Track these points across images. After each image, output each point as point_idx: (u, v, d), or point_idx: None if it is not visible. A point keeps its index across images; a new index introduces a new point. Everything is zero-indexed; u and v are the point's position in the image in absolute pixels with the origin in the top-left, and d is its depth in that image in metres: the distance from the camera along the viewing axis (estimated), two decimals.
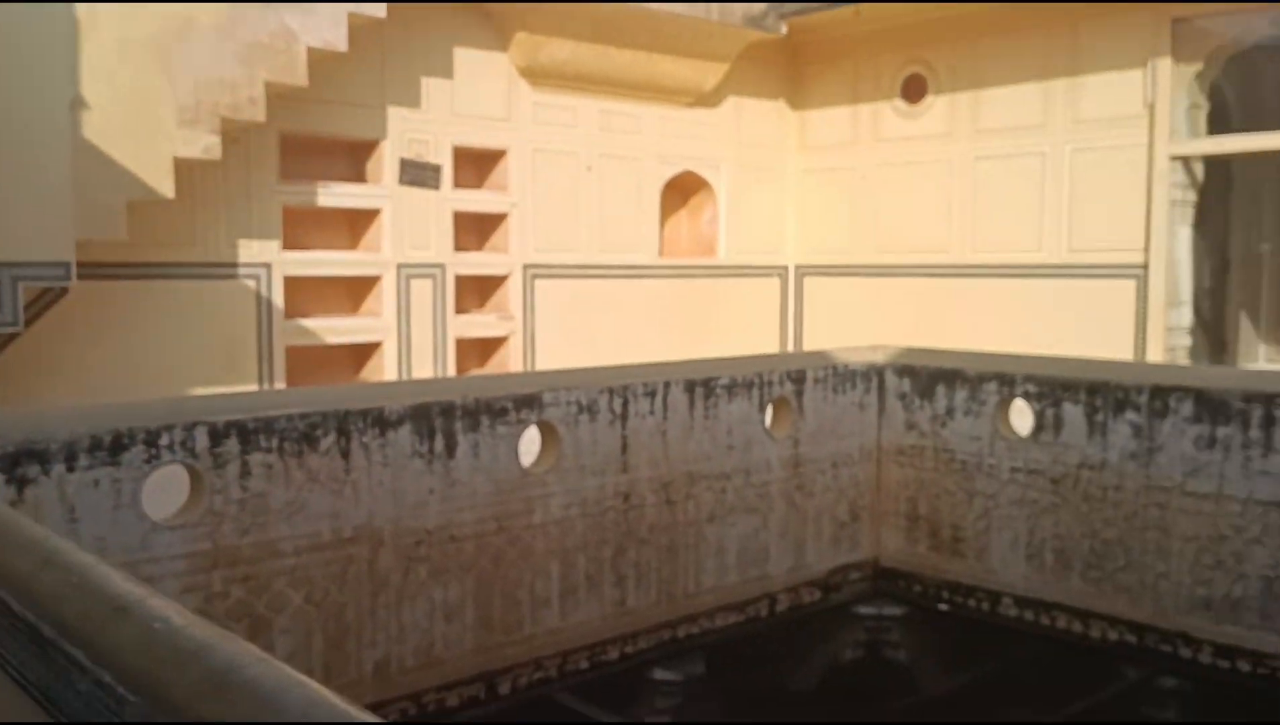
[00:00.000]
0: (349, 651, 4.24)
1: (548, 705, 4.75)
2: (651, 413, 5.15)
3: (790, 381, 5.77)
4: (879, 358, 6.24)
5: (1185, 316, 10.43)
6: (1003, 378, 5.75)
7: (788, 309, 12.89)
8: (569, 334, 10.81)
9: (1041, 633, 5.65)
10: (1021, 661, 5.59)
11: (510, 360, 10.61)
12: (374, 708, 4.22)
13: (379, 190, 9.70)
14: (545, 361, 10.57)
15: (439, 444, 4.40)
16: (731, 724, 5.38)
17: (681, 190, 12.19)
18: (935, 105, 11.55)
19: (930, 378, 6.06)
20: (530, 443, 4.73)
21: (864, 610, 6.17)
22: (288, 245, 9.16)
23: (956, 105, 11.37)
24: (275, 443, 4.01)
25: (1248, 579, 4.99)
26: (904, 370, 6.17)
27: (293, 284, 9.17)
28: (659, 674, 5.23)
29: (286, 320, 9.15)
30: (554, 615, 4.82)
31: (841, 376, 6.05)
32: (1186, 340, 10.32)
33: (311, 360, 9.35)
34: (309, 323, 9.31)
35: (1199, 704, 5.14)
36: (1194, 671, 5.14)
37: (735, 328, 12.10)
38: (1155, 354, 10.12)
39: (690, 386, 5.28)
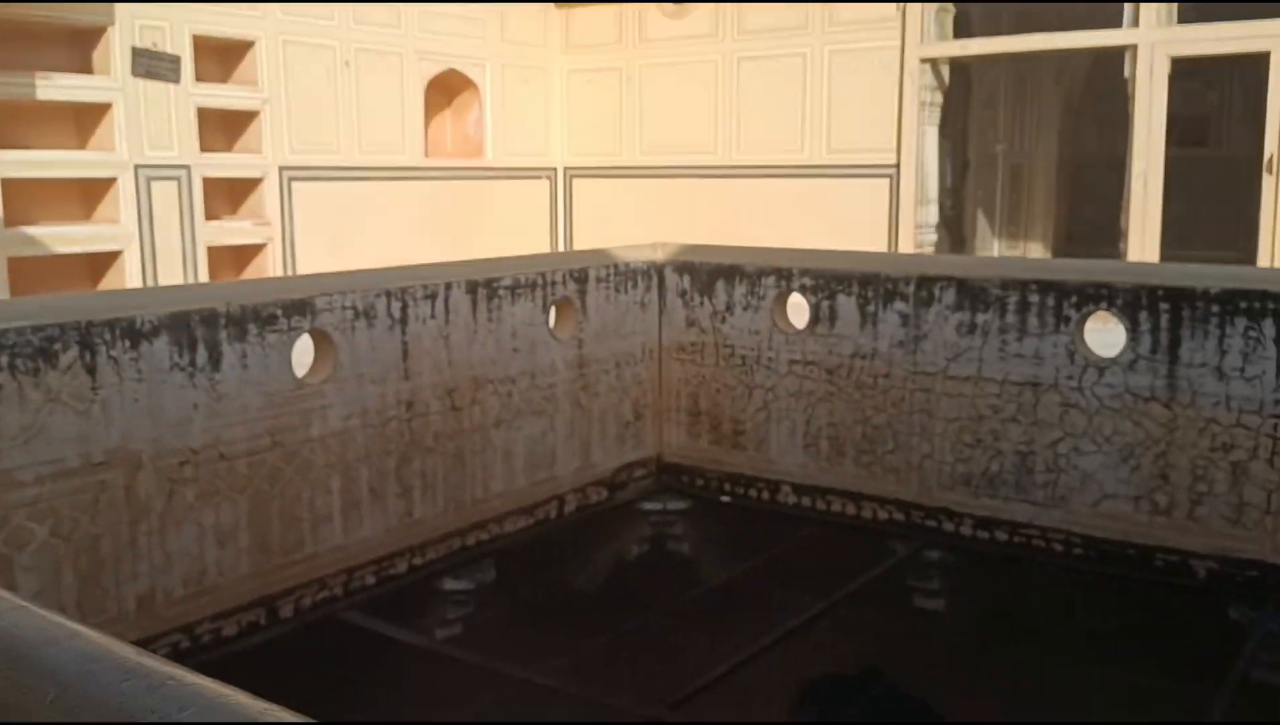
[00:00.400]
0: (106, 586, 3.87)
1: (333, 625, 4.54)
2: (433, 316, 4.92)
3: (573, 281, 5.66)
4: (659, 256, 6.21)
5: (932, 214, 11.01)
6: (780, 272, 5.85)
7: (557, 212, 12.75)
8: (332, 241, 10.26)
9: (818, 517, 5.89)
10: (799, 546, 5.81)
11: (268, 270, 9.99)
12: (142, 644, 3.88)
13: (109, 82, 8.77)
14: (307, 271, 10.01)
15: (201, 356, 4.03)
16: (520, 629, 5.33)
17: (446, 90, 11.72)
18: (700, 6, 11.53)
19: (710, 274, 6.10)
20: (304, 352, 4.42)
21: (649, 507, 6.24)
22: (3, 144, 8.17)
23: (721, 6, 11.39)
24: (4, 360, 3.54)
25: (1004, 455, 5.34)
26: (684, 267, 6.18)
27: (12, 187, 8.21)
28: (449, 584, 5.10)
29: (7, 228, 8.20)
30: (337, 532, 4.59)
31: (623, 275, 5.99)
32: (933, 236, 10.92)
33: (40, 272, 8.46)
34: (34, 231, 8.39)
35: (961, 574, 5.50)
36: (956, 544, 5.49)
37: (504, 232, 11.85)
38: (906, 250, 10.65)
39: (472, 288, 5.08)
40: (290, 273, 10.07)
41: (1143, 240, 9.50)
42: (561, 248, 12.69)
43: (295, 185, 10.06)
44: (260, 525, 4.25)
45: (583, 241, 12.47)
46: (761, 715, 4.71)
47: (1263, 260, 9.12)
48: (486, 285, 5.17)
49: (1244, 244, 9.33)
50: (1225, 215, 10.55)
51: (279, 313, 4.24)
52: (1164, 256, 9.41)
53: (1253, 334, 4.68)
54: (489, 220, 11.84)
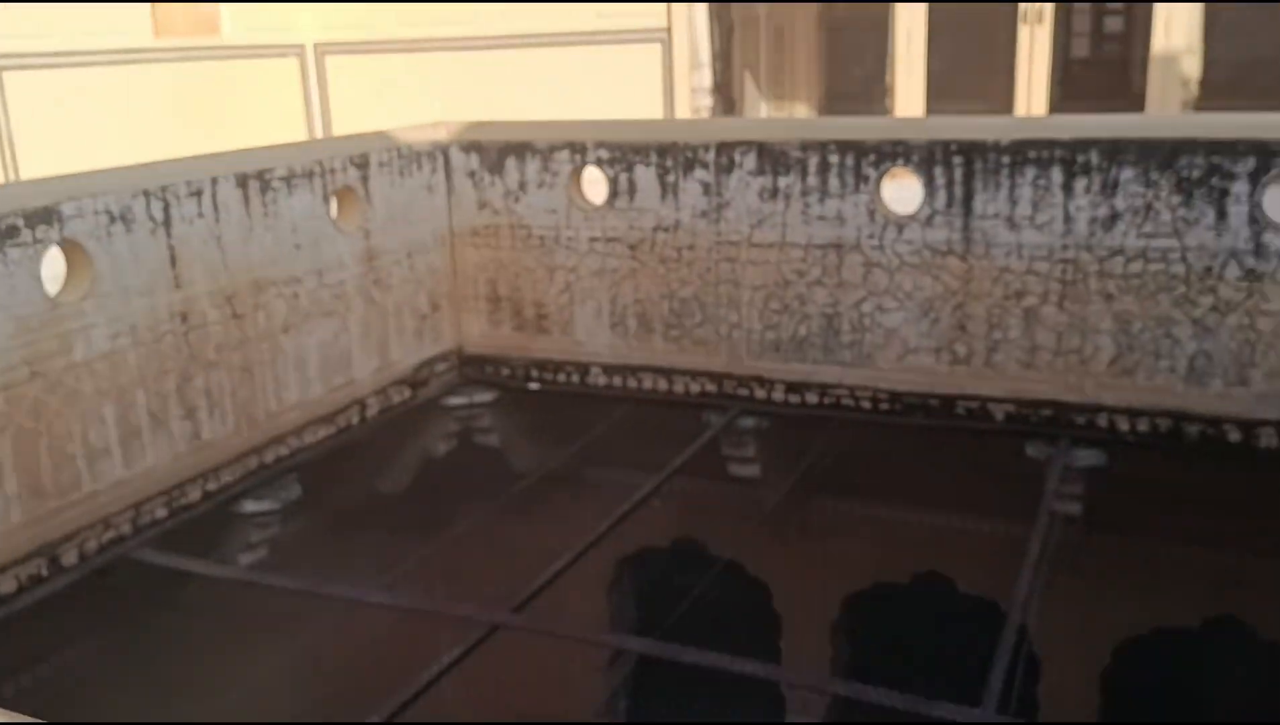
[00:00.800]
0: None
1: (126, 566, 4.10)
2: (201, 216, 4.40)
3: (354, 167, 5.20)
4: (443, 135, 5.80)
5: (705, 78, 10.89)
6: (574, 146, 5.58)
7: (311, 94, 11.84)
8: (59, 142, 9.12)
9: (630, 396, 5.79)
10: (615, 427, 5.71)
11: None
12: None
13: None
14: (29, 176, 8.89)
15: None
16: (336, 546, 5.02)
17: None
18: None
19: (499, 152, 5.76)
20: (55, 266, 3.85)
21: (455, 402, 5.97)
22: None
23: None
24: None
25: (810, 319, 5.37)
26: (471, 146, 5.80)
27: None
28: (250, 506, 4.71)
29: None
30: (117, 465, 4.10)
31: (406, 158, 5.56)
32: (709, 101, 10.83)
33: None
34: None
35: (775, 437, 5.56)
36: (769, 410, 5.52)
37: (254, 121, 10.90)
38: (683, 115, 10.53)
39: (243, 181, 4.56)
40: (10, 176, 8.93)
41: (908, 95, 9.74)
42: (320, 135, 11.84)
43: (4, 76, 8.83)
44: (28, 467, 3.73)
45: (344, 127, 11.67)
46: (608, 605, 4.68)
47: (1019, 109, 9.56)
48: (259, 177, 4.66)
49: (1001, 95, 9.73)
50: (983, 67, 10.98)
51: (20, 223, 3.65)
52: (928, 110, 9.70)
53: (1041, 183, 4.81)
54: (235, 107, 10.86)
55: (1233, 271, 4.58)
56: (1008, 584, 4.60)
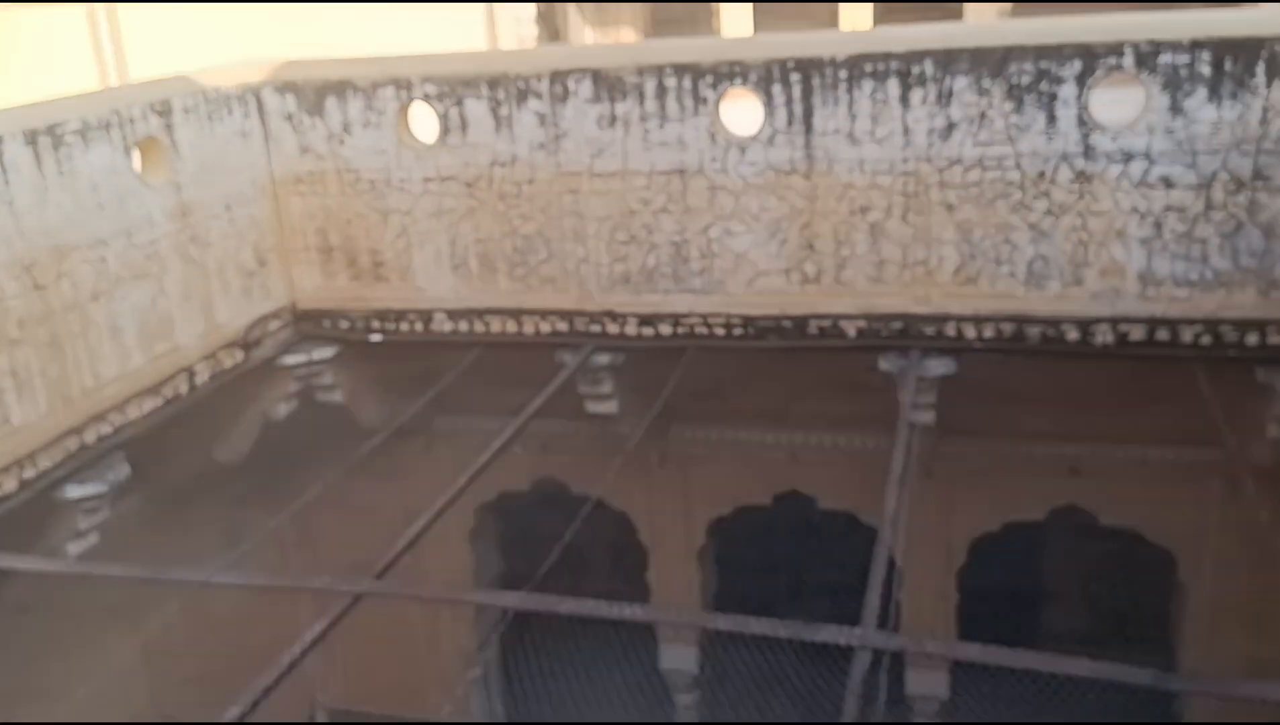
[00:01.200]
0: None
1: None
2: None
3: (156, 115, 4.77)
4: (254, 77, 5.39)
5: (530, 8, 10.54)
6: (399, 82, 5.27)
7: (102, 42, 10.92)
8: None
9: (478, 340, 5.59)
10: (466, 374, 5.50)
11: None
12: None
13: None
14: None
15: None
16: (175, 525, 4.70)
17: None
18: None
19: (317, 92, 5.39)
20: None
21: (292, 360, 5.65)
22: None
23: None
24: None
25: (659, 248, 5.26)
26: (286, 87, 5.41)
27: None
28: (74, 491, 4.34)
29: None
30: None
31: (215, 102, 5.14)
32: (535, 30, 10.50)
33: None
34: None
35: (631, 372, 5.47)
36: (623, 344, 5.42)
37: (37, 79, 9.96)
38: (508, 46, 10.17)
39: (31, 138, 4.12)
40: None
41: (735, 16, 9.64)
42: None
43: None
44: None
45: (143, 74, 10.82)
46: (475, 561, 4.52)
47: (844, 25, 9.58)
48: (49, 133, 4.21)
49: (825, 13, 9.73)
50: None
51: None
52: (755, 30, 9.63)
53: (879, 96, 4.79)
54: (17, 64, 9.93)
55: (1065, 174, 4.67)
56: (870, 498, 4.65)
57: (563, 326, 5.50)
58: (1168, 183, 4.55)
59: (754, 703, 6.66)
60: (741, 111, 5.09)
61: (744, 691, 6.62)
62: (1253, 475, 4.49)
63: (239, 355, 5.31)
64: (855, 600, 3.23)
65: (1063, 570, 7.36)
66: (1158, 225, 4.63)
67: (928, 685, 5.98)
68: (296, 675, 3.21)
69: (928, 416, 4.93)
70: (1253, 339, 4.62)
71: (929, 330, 5.02)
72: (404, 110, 5.33)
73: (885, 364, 5.04)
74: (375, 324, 5.71)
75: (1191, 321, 4.70)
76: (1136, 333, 4.78)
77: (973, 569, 5.89)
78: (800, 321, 5.18)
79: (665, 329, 5.36)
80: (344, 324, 5.75)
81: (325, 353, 5.70)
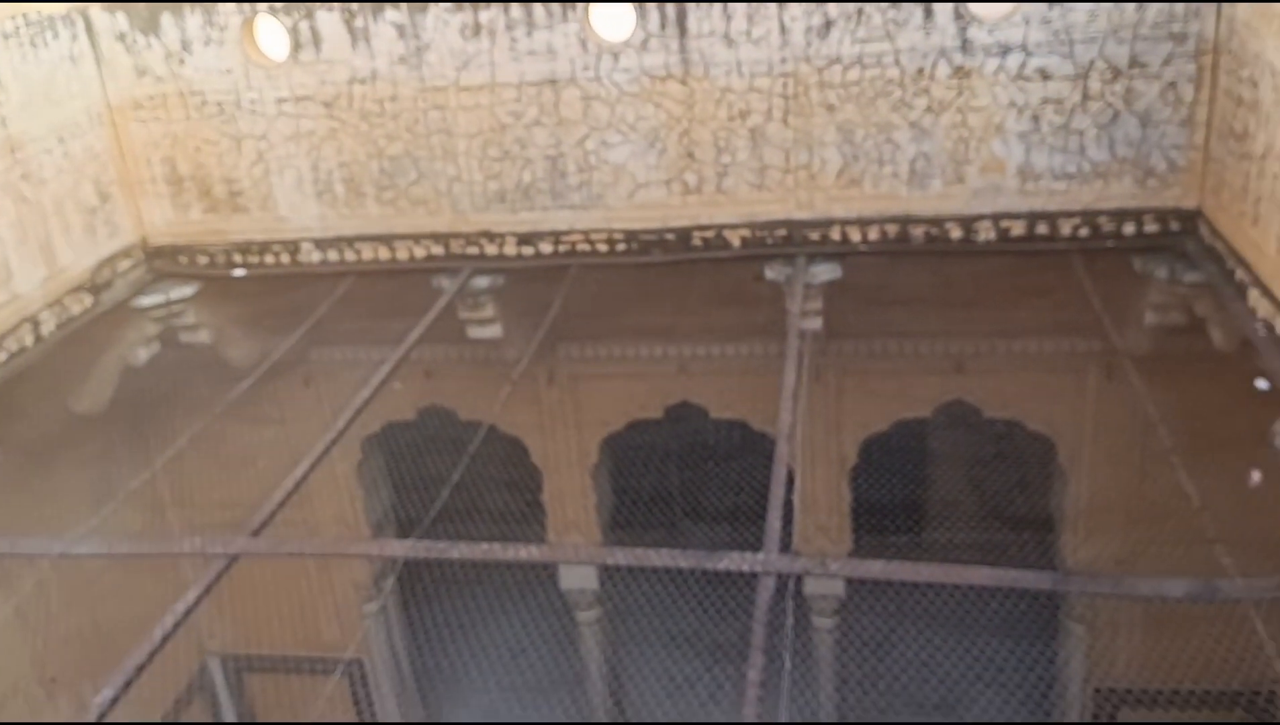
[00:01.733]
0: None
1: None
2: None
3: None
4: None
5: None
6: None
7: None
8: None
9: (350, 269, 5.32)
10: (340, 305, 5.22)
11: None
12: None
13: None
14: None
15: None
16: (26, 490, 4.36)
17: None
18: None
19: (150, 9, 4.95)
20: None
21: (148, 301, 5.29)
22: None
23: None
24: None
25: (534, 163, 5.04)
26: (115, 4, 4.95)
27: None
28: None
29: None
30: None
31: (38, 25, 4.68)
32: None
33: None
34: None
35: (512, 294, 5.27)
36: (503, 265, 5.22)
37: None
38: None
39: None
40: None
41: None
42: None
43: None
44: None
45: None
46: (362, 508, 4.32)
47: None
48: None
49: None
50: None
51: None
52: None
53: None
54: None
55: (943, 70, 4.59)
56: (762, 404, 4.60)
57: (438, 250, 5.26)
58: (1044, 75, 4.51)
59: (656, 614, 6.69)
60: (613, 16, 4.85)
61: (645, 605, 6.65)
62: (1131, 362, 4.57)
63: (87, 300, 4.95)
64: (751, 503, 3.16)
65: (949, 465, 7.51)
66: (1035, 119, 4.60)
67: (825, 586, 6.06)
68: (183, 630, 3.01)
69: (815, 323, 4.88)
70: (1129, 229, 4.66)
71: (813, 236, 4.94)
72: (248, 24, 4.94)
73: (771, 273, 4.96)
74: (237, 258, 5.38)
75: (1070, 214, 4.72)
76: (1017, 228, 4.78)
77: (863, 469, 5.93)
78: (684, 233, 5.05)
79: (545, 248, 5.17)
80: (202, 259, 5.40)
81: (184, 291, 5.35)
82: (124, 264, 5.19)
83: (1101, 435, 5.33)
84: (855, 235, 4.91)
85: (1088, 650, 5.98)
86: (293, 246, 5.30)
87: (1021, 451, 6.13)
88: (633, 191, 5.00)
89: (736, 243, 5.02)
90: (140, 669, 2.80)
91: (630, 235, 5.08)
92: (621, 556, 3.08)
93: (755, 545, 3.08)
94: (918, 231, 4.86)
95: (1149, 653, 5.67)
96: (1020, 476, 6.95)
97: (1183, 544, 3.47)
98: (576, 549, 3.96)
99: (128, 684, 2.73)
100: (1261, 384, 3.42)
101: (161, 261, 5.38)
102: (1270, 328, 3.59)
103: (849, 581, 6.08)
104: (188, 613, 2.94)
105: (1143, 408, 3.93)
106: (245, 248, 5.33)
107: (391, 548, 3.62)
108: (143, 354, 5.29)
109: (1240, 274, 4.00)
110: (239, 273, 5.34)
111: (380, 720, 4.28)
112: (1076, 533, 5.80)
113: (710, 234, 5.03)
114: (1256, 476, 3.37)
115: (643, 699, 6.37)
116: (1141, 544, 5.20)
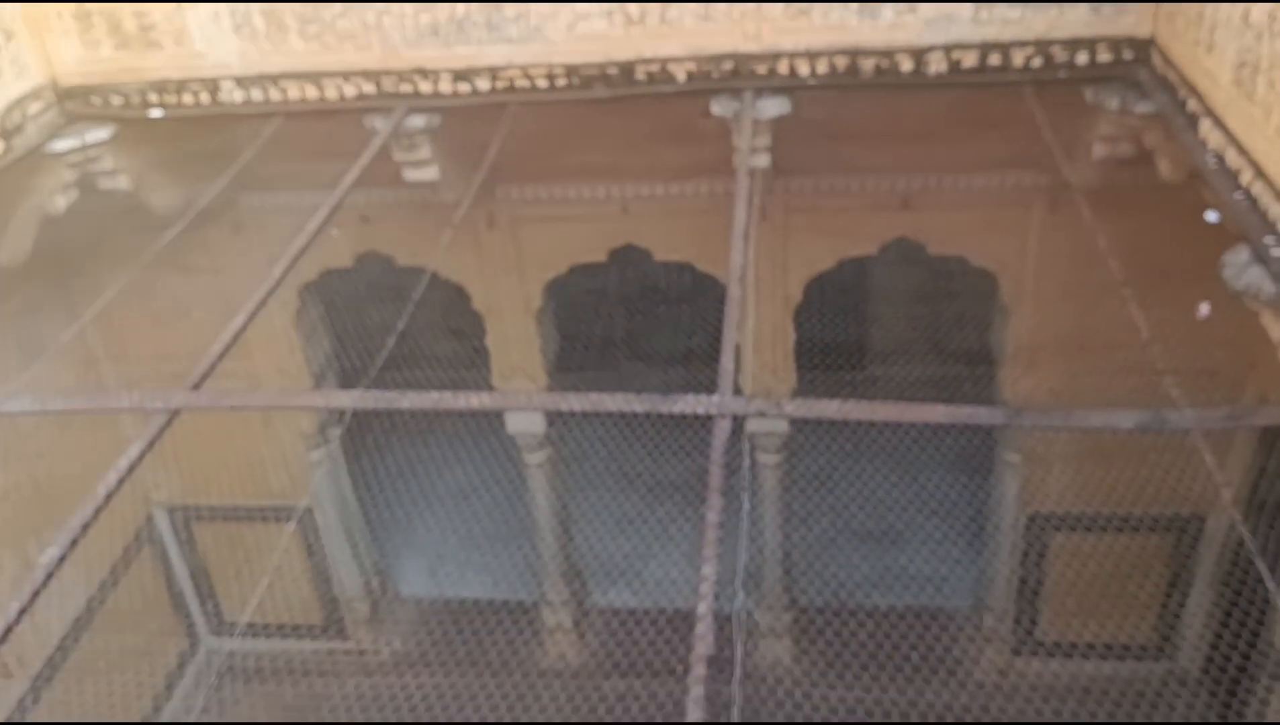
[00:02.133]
0: None
1: None
2: None
3: None
4: None
5: None
6: None
7: None
8: None
9: (276, 109, 5.05)
10: (266, 147, 4.99)
11: None
12: None
13: None
14: None
15: None
16: None
17: None
18: None
19: None
20: None
21: (62, 145, 4.99)
22: None
23: None
24: None
25: None
26: None
27: None
28: None
29: None
30: None
31: None
32: None
33: None
34: None
35: (449, 133, 5.08)
36: (438, 104, 4.99)
37: None
38: None
39: None
40: None
41: None
42: None
43: None
44: None
45: None
46: (305, 358, 4.24)
47: None
48: None
49: None
50: None
51: None
52: None
53: None
54: None
55: None
56: (708, 246, 4.53)
57: (369, 88, 5.01)
58: None
59: (603, 452, 6.76)
60: None
61: (591, 446, 6.71)
62: (1080, 195, 4.55)
63: None
64: (702, 345, 3.13)
65: (892, 302, 7.57)
66: None
67: (770, 424, 6.14)
68: (128, 484, 2.94)
69: (763, 160, 4.78)
70: (1083, 58, 4.56)
71: (761, 69, 4.77)
72: None
73: (718, 108, 4.80)
74: (153, 98, 5.07)
75: (1023, 44, 4.59)
76: (969, 59, 4.65)
77: (807, 308, 5.94)
78: (627, 67, 4.85)
79: (483, 84, 4.94)
80: (116, 100, 5.09)
81: (100, 134, 5.06)
82: (34, 106, 4.88)
83: (1048, 269, 5.36)
84: (804, 68, 4.75)
85: (1024, 480, 6.19)
86: (212, 85, 5.01)
87: (966, 287, 6.17)
88: (573, 23, 4.77)
89: (682, 77, 4.83)
90: (86, 527, 2.73)
91: (571, 70, 4.86)
92: (575, 402, 3.04)
93: (708, 388, 3.05)
94: (868, 64, 4.71)
95: (1085, 482, 5.87)
96: (961, 312, 7.04)
97: (1132, 376, 3.51)
98: (530, 395, 3.90)
99: (74, 542, 2.66)
100: (1211, 216, 3.42)
101: (74, 103, 5.06)
102: (1221, 159, 3.56)
103: (792, 420, 6.18)
104: (131, 468, 2.85)
105: (1091, 240, 3.93)
106: (161, 86, 5.03)
107: (339, 398, 3.53)
108: (61, 202, 5.04)
109: (1192, 104, 3.95)
110: (156, 113, 5.05)
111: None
112: (1016, 367, 5.92)
113: (654, 68, 4.83)
114: (1205, 308, 3.40)
115: (595, 534, 6.52)
116: (1079, 376, 5.32)
